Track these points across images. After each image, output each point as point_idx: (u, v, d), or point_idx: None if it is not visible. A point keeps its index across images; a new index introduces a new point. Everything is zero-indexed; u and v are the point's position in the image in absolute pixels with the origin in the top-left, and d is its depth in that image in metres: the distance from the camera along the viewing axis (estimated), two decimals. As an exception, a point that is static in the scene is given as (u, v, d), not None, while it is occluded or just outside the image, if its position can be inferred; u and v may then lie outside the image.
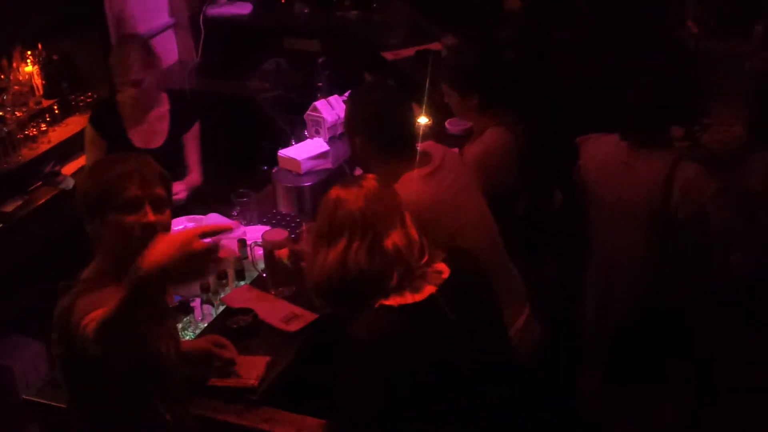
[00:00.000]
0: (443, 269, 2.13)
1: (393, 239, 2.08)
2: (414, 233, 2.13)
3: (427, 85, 3.64)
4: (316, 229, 2.17)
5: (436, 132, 3.80)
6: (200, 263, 1.59)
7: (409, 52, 4.75)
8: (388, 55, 4.75)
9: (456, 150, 3.22)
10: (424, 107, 3.62)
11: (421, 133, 2.98)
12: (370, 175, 2.23)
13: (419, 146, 2.76)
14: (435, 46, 4.71)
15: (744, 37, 5.04)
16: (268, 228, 3.14)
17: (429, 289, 2.08)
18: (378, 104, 2.76)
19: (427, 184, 2.64)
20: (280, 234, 2.91)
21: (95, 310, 1.73)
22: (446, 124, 3.96)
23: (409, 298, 2.05)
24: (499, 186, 3.20)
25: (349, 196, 2.11)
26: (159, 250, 1.58)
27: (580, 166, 3.26)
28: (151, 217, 1.96)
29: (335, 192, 2.15)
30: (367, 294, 2.06)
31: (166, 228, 2.01)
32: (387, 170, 2.61)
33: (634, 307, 3.14)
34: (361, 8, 5.38)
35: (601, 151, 3.21)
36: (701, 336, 3.14)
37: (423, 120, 3.59)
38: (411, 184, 2.60)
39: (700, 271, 3.05)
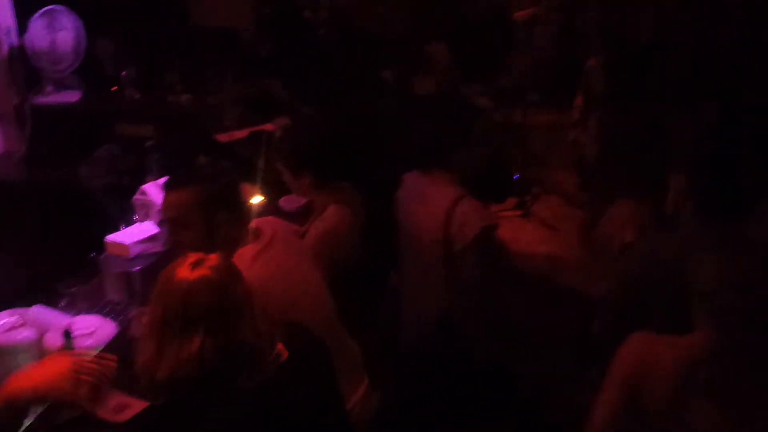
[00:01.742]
0: (281, 351, 2.11)
1: (246, 332, 2.03)
2: (263, 322, 2.09)
3: (260, 164, 3.65)
4: (159, 317, 2.04)
5: (271, 210, 3.79)
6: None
7: (242, 133, 4.76)
8: (222, 137, 4.75)
9: (294, 226, 3.22)
10: (258, 186, 3.64)
11: (255, 211, 2.96)
12: (215, 257, 2.14)
13: (252, 223, 2.78)
14: (269, 126, 4.74)
15: (567, 109, 5.29)
16: (97, 317, 3.02)
17: (271, 373, 2.05)
18: (204, 188, 2.74)
19: (257, 261, 2.63)
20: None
21: None
22: (280, 202, 3.96)
23: (255, 384, 2.02)
24: (343, 262, 3.23)
25: (201, 286, 2.02)
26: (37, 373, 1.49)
27: (394, 200, 3.45)
28: None
29: (182, 277, 2.04)
30: (218, 386, 2.01)
31: None
32: (222, 248, 2.55)
33: (427, 334, 3.27)
34: (193, 92, 5.37)
35: (409, 185, 3.44)
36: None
37: (257, 199, 3.62)
38: (242, 262, 2.57)
39: (474, 303, 3.23)
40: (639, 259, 2.89)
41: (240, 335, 2.01)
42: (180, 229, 2.70)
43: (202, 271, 2.04)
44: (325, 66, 5.18)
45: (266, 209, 3.65)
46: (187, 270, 2.05)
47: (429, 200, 3.33)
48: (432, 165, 3.40)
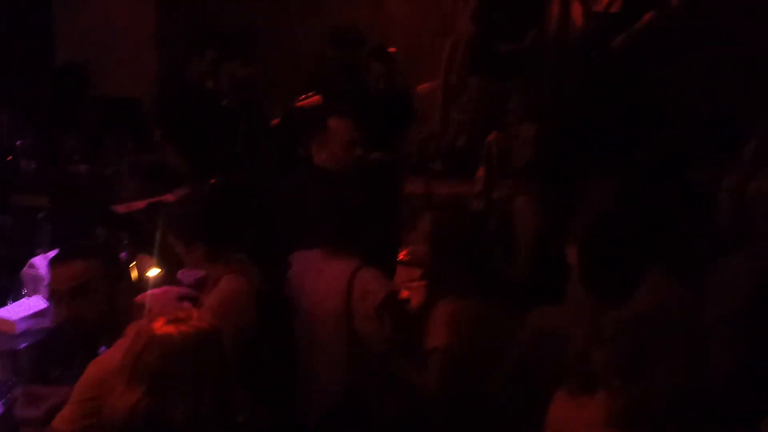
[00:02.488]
0: None
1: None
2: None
3: (158, 236, 3.57)
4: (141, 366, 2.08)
5: (170, 283, 3.70)
6: None
7: (141, 204, 4.66)
8: (120, 208, 4.64)
9: (186, 300, 3.12)
10: (155, 259, 3.56)
11: (151, 284, 3.02)
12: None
13: (141, 298, 2.79)
14: (168, 197, 4.65)
15: (469, 180, 5.37)
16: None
17: None
18: (104, 258, 2.77)
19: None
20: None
21: None
22: (179, 274, 3.87)
23: None
24: (239, 334, 3.15)
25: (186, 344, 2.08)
26: None
27: (285, 280, 3.44)
28: None
29: (168, 332, 2.09)
30: None
31: None
32: (118, 320, 2.66)
33: (330, 408, 3.26)
34: (91, 162, 5.25)
35: (302, 261, 3.44)
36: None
37: (154, 271, 3.54)
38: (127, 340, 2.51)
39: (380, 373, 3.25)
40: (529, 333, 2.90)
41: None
42: (78, 301, 2.68)
43: (186, 327, 2.11)
44: (224, 136, 5.17)
45: (165, 281, 3.57)
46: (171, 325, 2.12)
47: (326, 274, 3.32)
48: (329, 238, 3.39)
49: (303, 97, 5.85)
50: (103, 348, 2.72)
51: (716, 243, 3.86)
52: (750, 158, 4.09)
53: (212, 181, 4.45)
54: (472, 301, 3.12)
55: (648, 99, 6.12)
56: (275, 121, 5.27)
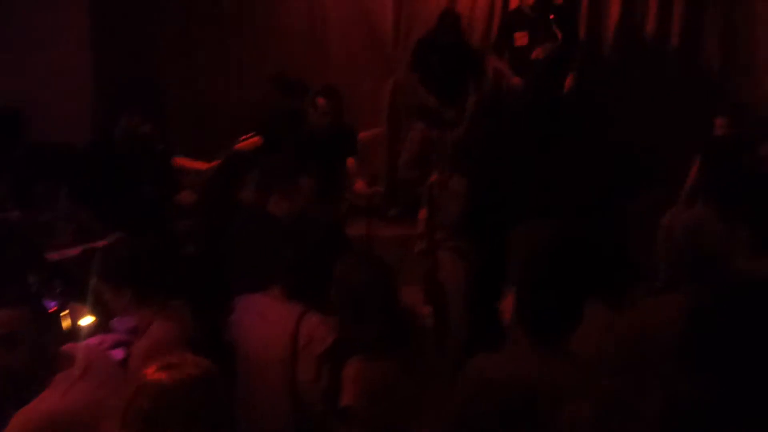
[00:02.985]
0: None
1: None
2: None
3: (91, 284, 3.49)
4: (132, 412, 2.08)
5: (104, 331, 3.60)
6: None
7: (74, 251, 4.57)
8: (53, 255, 4.54)
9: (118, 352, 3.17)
10: (88, 307, 3.50)
11: (84, 333, 3.05)
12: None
13: (68, 347, 2.74)
14: (102, 244, 4.56)
15: (412, 223, 5.36)
16: None
17: None
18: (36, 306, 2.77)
19: (67, 394, 2.56)
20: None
21: None
22: (113, 322, 3.76)
23: None
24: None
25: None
26: None
27: (226, 325, 3.38)
28: None
29: (160, 377, 2.09)
30: None
31: None
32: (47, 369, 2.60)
33: None
34: (24, 208, 5.12)
35: (245, 307, 3.39)
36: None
37: (87, 320, 3.49)
38: (52, 393, 2.54)
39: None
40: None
41: None
42: (5, 350, 2.63)
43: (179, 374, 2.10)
44: (159, 179, 5.13)
45: (98, 330, 3.50)
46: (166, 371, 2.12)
47: (271, 319, 3.26)
48: (273, 284, 3.34)
49: (243, 138, 5.82)
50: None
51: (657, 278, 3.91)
52: (684, 196, 4.15)
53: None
54: (381, 362, 3.03)
55: (581, 140, 6.29)
56: (214, 164, 5.21)
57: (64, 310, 3.56)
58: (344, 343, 3.12)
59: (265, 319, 3.28)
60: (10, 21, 6.82)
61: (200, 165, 5.68)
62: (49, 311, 3.26)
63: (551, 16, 6.48)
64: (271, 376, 3.21)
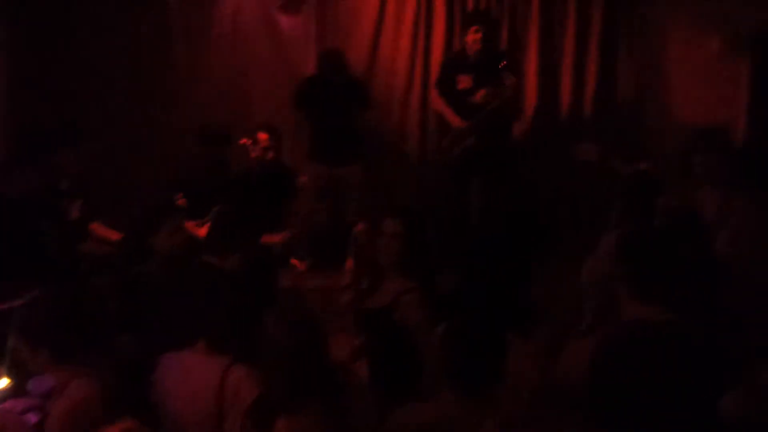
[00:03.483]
0: None
1: None
2: None
3: (8, 344, 3.40)
4: None
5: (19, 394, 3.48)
6: None
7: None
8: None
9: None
10: (3, 368, 3.41)
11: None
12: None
13: None
14: (18, 303, 4.41)
15: (337, 273, 5.31)
16: None
17: None
18: None
19: None
20: None
21: None
22: (29, 383, 3.63)
23: None
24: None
25: None
26: None
27: (151, 383, 3.32)
28: None
29: None
30: None
31: None
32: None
33: None
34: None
35: (169, 363, 3.33)
36: None
37: (2, 382, 3.41)
38: None
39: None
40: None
41: None
42: None
43: None
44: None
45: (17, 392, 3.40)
46: None
47: (196, 373, 3.21)
48: (197, 338, 3.29)
49: (176, 197, 5.75)
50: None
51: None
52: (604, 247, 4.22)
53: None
54: (311, 417, 2.95)
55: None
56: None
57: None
58: (272, 398, 3.04)
59: (189, 375, 3.22)
60: None
61: (114, 235, 5.60)
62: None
63: (503, 63, 6.51)
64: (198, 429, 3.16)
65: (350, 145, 6.89)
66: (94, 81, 7.52)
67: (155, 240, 4.27)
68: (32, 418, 3.10)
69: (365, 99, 6.93)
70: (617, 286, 3.22)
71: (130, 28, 7.52)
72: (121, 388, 3.31)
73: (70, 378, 3.19)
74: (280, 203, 6.24)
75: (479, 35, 6.58)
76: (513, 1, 7.27)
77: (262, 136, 6.01)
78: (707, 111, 6.83)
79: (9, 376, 3.43)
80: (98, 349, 3.40)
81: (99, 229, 5.81)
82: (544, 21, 7.22)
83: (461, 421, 2.82)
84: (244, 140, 6.53)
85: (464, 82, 6.70)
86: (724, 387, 2.87)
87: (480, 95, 6.55)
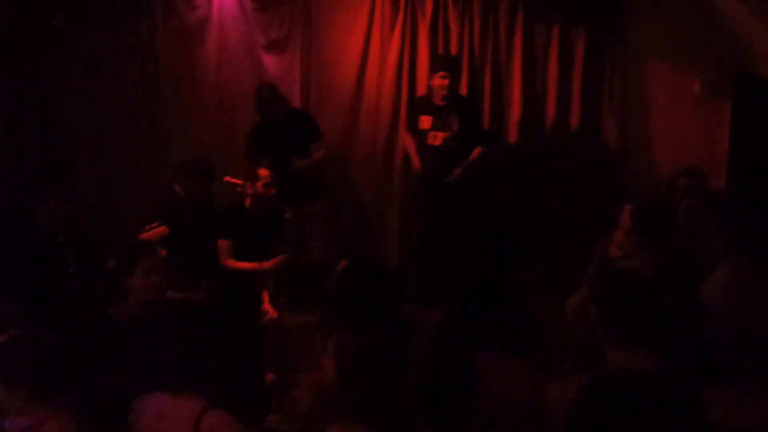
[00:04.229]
0: None
1: None
2: None
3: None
4: None
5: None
6: None
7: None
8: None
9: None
10: None
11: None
12: None
13: None
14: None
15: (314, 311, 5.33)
16: None
17: None
18: None
19: None
20: None
21: None
22: (5, 423, 3.59)
23: None
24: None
25: None
26: None
27: (125, 426, 3.29)
28: None
29: None
30: None
31: None
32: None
33: None
34: None
35: (144, 407, 3.28)
36: None
37: None
38: None
39: None
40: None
41: None
42: None
43: None
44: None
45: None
46: None
47: (168, 418, 3.16)
48: (174, 380, 3.24)
49: (148, 228, 5.75)
50: None
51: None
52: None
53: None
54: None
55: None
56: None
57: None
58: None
59: (163, 419, 3.18)
60: None
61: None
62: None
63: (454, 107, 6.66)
64: None
65: (311, 182, 6.93)
66: (86, 124, 7.67)
67: (131, 280, 4.25)
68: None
69: (314, 132, 6.97)
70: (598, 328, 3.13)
71: (121, 74, 7.64)
72: (97, 429, 3.27)
73: (46, 419, 3.15)
74: (276, 238, 6.23)
75: (446, 81, 6.71)
76: (496, 44, 7.31)
77: (263, 172, 6.02)
78: (690, 150, 6.87)
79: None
80: (76, 389, 3.35)
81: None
82: (527, 56, 7.27)
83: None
84: (227, 178, 6.54)
85: (424, 122, 6.83)
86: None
87: (431, 136, 6.77)
